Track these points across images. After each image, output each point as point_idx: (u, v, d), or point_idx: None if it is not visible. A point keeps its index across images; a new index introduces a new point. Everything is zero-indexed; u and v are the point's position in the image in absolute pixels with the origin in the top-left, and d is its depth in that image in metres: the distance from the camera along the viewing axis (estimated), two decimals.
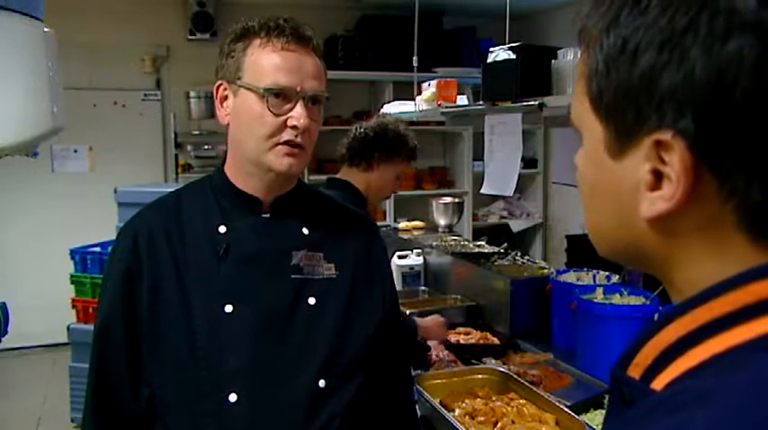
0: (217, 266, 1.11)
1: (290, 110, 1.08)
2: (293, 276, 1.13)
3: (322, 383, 1.10)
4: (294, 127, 1.07)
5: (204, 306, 1.09)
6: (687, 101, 0.43)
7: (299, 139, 1.08)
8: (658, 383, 0.45)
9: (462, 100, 3.05)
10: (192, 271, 1.11)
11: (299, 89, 1.08)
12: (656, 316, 1.93)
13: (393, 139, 2.01)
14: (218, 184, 1.17)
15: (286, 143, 1.08)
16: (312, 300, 1.13)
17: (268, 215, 1.15)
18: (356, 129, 2.04)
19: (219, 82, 1.14)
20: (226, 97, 1.14)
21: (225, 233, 1.13)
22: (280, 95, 1.07)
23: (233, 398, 1.06)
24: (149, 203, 1.21)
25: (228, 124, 1.14)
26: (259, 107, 1.07)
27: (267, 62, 1.08)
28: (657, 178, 0.46)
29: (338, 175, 2.06)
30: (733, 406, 0.39)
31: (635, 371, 0.47)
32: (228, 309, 1.08)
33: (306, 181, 2.51)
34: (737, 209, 0.44)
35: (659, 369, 0.46)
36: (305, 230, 1.17)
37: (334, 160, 2.51)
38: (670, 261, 0.49)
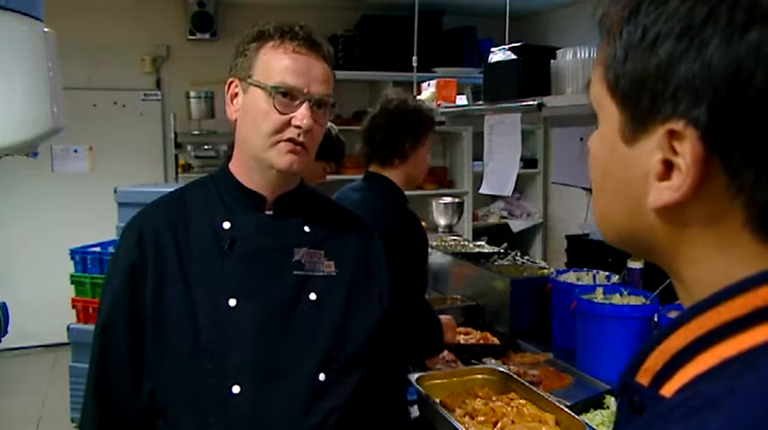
0: (221, 261, 1.13)
1: (295, 109, 1.11)
2: (295, 272, 1.16)
3: (322, 377, 1.13)
4: (297, 126, 1.11)
5: (208, 300, 1.12)
6: (703, 90, 0.43)
7: (301, 138, 1.12)
8: (668, 389, 0.45)
9: (462, 100, 3.06)
10: (196, 266, 1.13)
11: (305, 91, 1.12)
12: (655, 316, 1.93)
13: (415, 122, 1.88)
14: (223, 181, 1.21)
15: (289, 141, 1.12)
16: (313, 296, 1.16)
17: (271, 212, 1.19)
18: (374, 128, 1.90)
19: (231, 79, 1.18)
20: (236, 94, 1.17)
21: (229, 229, 1.16)
22: (287, 95, 1.11)
23: (236, 390, 1.08)
24: (154, 200, 1.24)
25: (236, 120, 1.18)
26: (266, 105, 1.11)
27: (278, 63, 1.12)
28: (668, 168, 0.46)
29: (372, 170, 1.95)
30: (747, 409, 0.38)
31: (644, 378, 0.47)
32: (232, 303, 1.11)
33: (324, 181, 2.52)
34: (746, 206, 0.44)
35: (669, 375, 0.45)
36: (306, 228, 1.20)
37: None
38: (676, 253, 0.49)
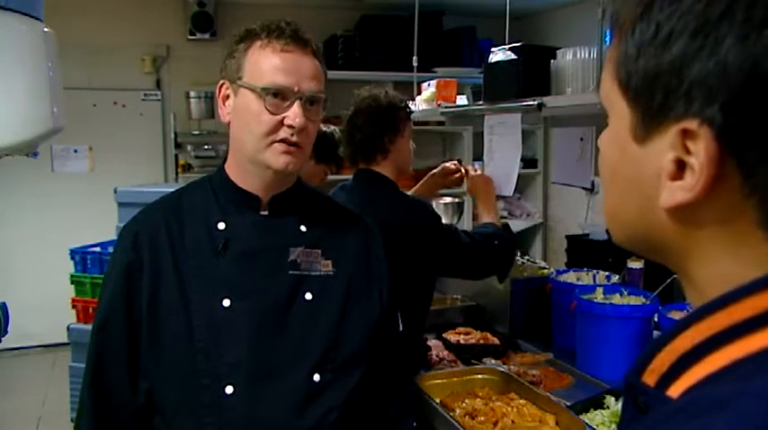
0: (215, 262, 1.14)
1: (287, 109, 1.11)
2: (291, 272, 1.16)
3: (316, 377, 1.13)
4: (290, 126, 1.10)
5: (203, 300, 1.12)
6: (717, 89, 0.42)
7: (294, 138, 1.11)
8: (675, 390, 0.44)
9: (462, 100, 3.06)
10: (191, 266, 1.14)
11: (296, 89, 1.11)
12: (655, 316, 1.93)
13: (390, 116, 1.90)
14: (219, 182, 1.21)
15: (282, 141, 1.11)
16: (309, 296, 1.16)
17: (266, 213, 1.19)
18: (353, 129, 1.92)
19: (222, 81, 1.18)
20: (227, 96, 1.17)
21: (224, 229, 1.16)
22: (278, 95, 1.11)
23: (229, 390, 1.09)
24: (153, 201, 1.24)
25: (229, 122, 1.17)
26: (257, 106, 1.11)
27: (266, 63, 1.11)
28: (680, 168, 0.45)
29: (361, 166, 1.97)
30: (755, 412, 0.38)
31: (650, 378, 0.46)
32: (226, 303, 1.11)
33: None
34: (759, 206, 0.43)
35: (675, 375, 0.45)
36: (303, 228, 1.20)
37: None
38: (687, 254, 0.48)
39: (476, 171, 2.22)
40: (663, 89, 0.45)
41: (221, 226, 1.16)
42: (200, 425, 1.09)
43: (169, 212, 1.19)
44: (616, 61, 0.49)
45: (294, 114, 1.10)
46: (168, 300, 1.12)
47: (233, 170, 1.19)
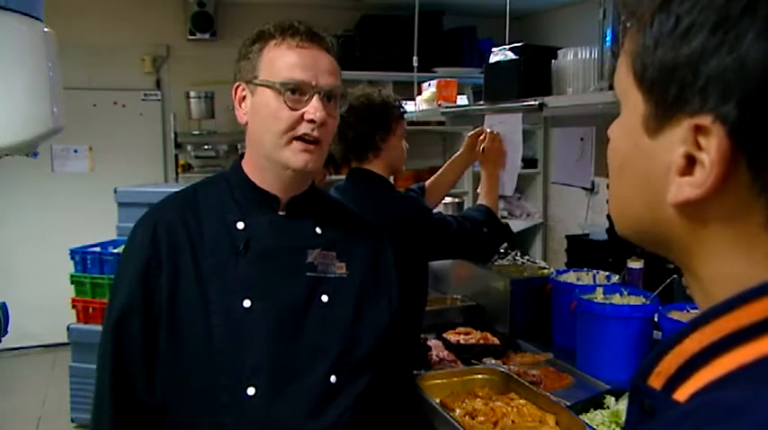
0: (234, 261, 1.12)
1: (306, 104, 1.10)
2: (308, 274, 1.15)
3: (333, 379, 1.13)
4: (311, 120, 1.09)
5: (222, 300, 1.11)
6: (734, 86, 0.41)
7: (315, 133, 1.10)
8: (681, 394, 0.44)
9: (462, 100, 3.06)
10: (210, 264, 1.12)
11: (314, 83, 1.10)
12: (655, 316, 1.93)
13: (382, 114, 1.91)
14: (236, 181, 1.19)
15: (303, 137, 1.10)
16: (325, 298, 1.15)
17: (284, 213, 1.18)
18: (345, 127, 1.89)
19: (237, 83, 1.17)
20: (244, 97, 1.16)
21: (243, 229, 1.14)
22: (296, 91, 1.10)
23: (251, 391, 1.08)
24: (166, 197, 1.22)
25: (247, 123, 1.16)
26: (276, 103, 1.10)
27: (282, 60, 1.11)
28: (690, 163, 0.44)
29: (353, 165, 1.97)
30: None
31: (656, 381, 0.46)
32: (247, 304, 1.10)
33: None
34: (767, 207, 0.43)
35: (683, 379, 0.44)
36: (318, 230, 1.19)
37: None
38: (693, 250, 0.48)
39: (493, 137, 2.18)
40: (678, 82, 0.44)
41: (240, 225, 1.14)
42: (218, 425, 1.08)
43: (185, 208, 1.17)
44: (633, 52, 0.48)
45: (314, 108, 1.09)
46: (188, 298, 1.10)
47: (251, 169, 1.18)
